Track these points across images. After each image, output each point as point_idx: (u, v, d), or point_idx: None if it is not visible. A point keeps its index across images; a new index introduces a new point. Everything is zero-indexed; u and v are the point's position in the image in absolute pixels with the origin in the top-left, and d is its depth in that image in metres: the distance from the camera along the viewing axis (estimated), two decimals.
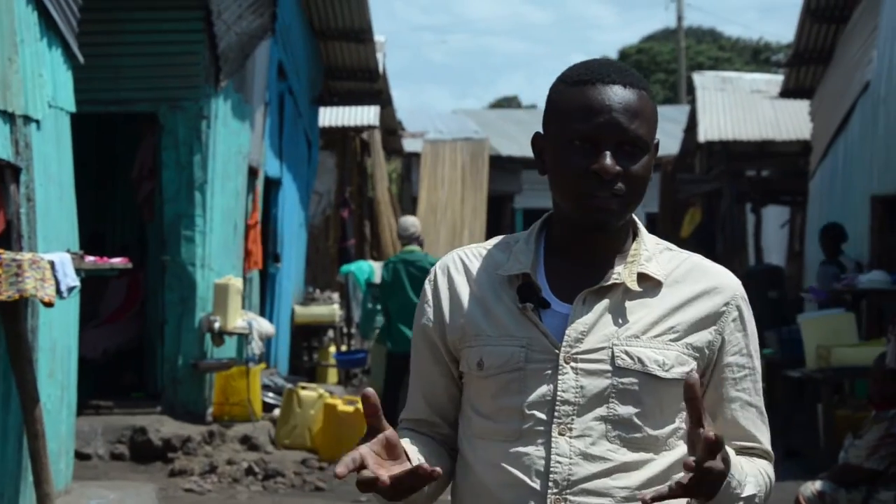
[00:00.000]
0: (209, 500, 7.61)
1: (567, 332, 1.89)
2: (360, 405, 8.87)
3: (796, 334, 9.39)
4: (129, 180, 9.74)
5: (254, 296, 10.93)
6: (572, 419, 1.86)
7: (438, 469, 1.74)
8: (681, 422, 1.91)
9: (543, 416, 1.88)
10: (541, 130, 1.99)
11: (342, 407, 8.79)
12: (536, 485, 1.87)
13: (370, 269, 13.64)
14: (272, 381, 9.99)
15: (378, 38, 14.75)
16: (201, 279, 8.91)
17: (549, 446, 1.86)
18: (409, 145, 23.92)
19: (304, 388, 9.19)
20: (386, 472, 1.76)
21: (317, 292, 14.25)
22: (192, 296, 8.88)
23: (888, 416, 6.00)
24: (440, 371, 2.00)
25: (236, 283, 9.13)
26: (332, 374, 12.78)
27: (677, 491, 1.70)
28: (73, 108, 6.91)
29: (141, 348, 9.39)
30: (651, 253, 1.96)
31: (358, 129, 17.32)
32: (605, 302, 1.91)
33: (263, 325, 9.61)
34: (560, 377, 1.87)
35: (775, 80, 18.27)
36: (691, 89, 20.29)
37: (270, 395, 9.63)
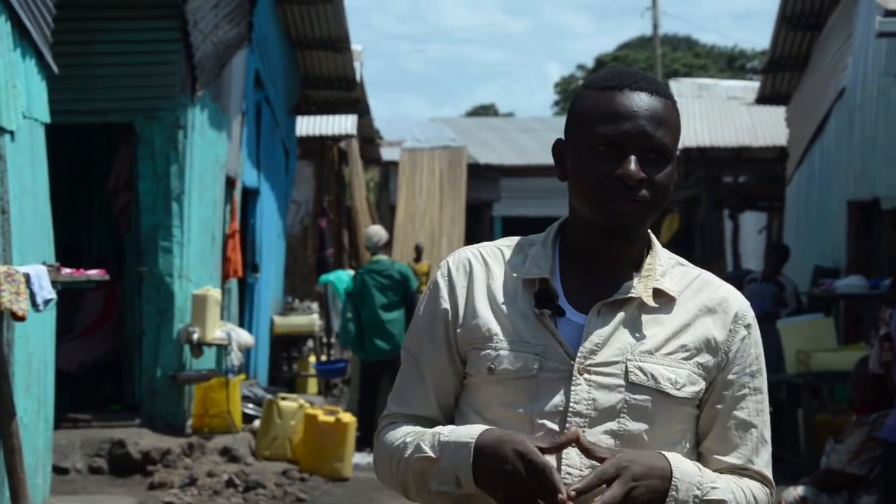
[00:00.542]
0: None
1: (583, 343, 1.87)
2: (340, 415, 8.88)
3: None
4: (105, 191, 9.67)
5: (232, 306, 10.87)
6: (583, 432, 1.83)
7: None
8: (686, 442, 1.92)
9: (555, 427, 1.85)
10: (562, 137, 1.97)
11: (323, 417, 8.74)
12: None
13: (349, 279, 13.61)
14: (252, 392, 9.93)
15: (355, 47, 14.73)
16: (179, 290, 8.85)
17: (560, 457, 1.84)
18: (387, 154, 23.91)
19: (284, 398, 9.14)
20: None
21: (296, 302, 14.20)
22: (170, 307, 8.82)
23: (869, 420, 6.00)
24: (453, 369, 1.95)
25: (215, 293, 9.07)
26: (313, 385, 12.71)
27: None
28: (47, 119, 6.86)
29: (118, 360, 9.31)
30: (665, 268, 1.95)
31: (335, 139, 17.29)
32: (620, 315, 1.90)
33: (242, 336, 9.55)
34: (573, 388, 1.86)
35: (751, 86, 18.36)
36: None
37: (250, 406, 9.57)
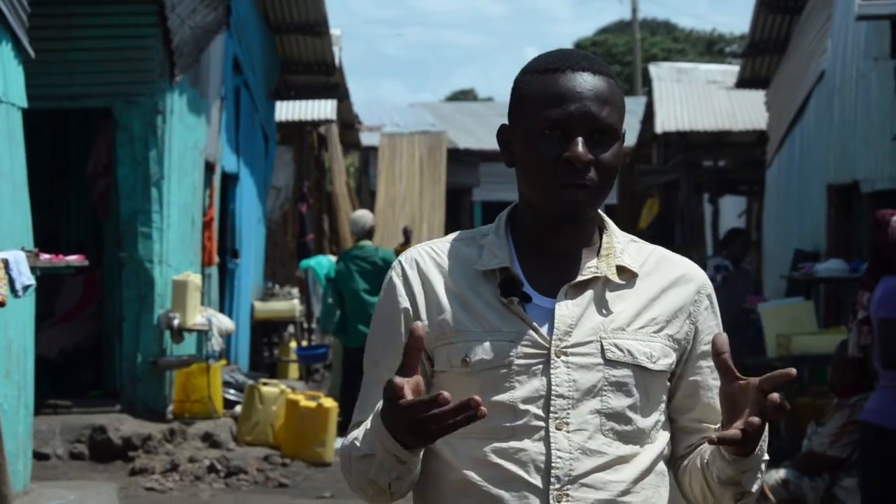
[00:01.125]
0: (171, 499, 7.53)
1: (556, 325, 1.87)
2: (322, 400, 8.86)
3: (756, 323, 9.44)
4: (84, 177, 9.61)
5: (213, 292, 10.83)
6: (568, 413, 1.84)
7: (478, 399, 1.68)
8: (660, 414, 1.93)
9: (539, 412, 1.85)
10: (506, 122, 1.96)
11: (304, 402, 8.73)
12: (536, 480, 1.84)
13: (329, 264, 13.57)
14: (233, 377, 9.90)
15: (334, 31, 14.67)
16: (159, 276, 8.81)
17: (549, 442, 1.84)
18: (367, 139, 23.85)
19: (265, 384, 9.13)
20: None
21: (276, 288, 14.16)
22: (150, 293, 8.78)
23: (850, 403, 6.03)
24: (420, 370, 1.89)
25: (195, 279, 9.04)
26: (294, 370, 12.70)
27: (742, 438, 1.73)
28: (24, 104, 6.80)
29: (99, 346, 9.27)
30: (622, 245, 1.96)
31: (315, 123, 17.23)
32: (587, 295, 1.90)
33: (223, 322, 9.52)
34: (553, 371, 1.85)
35: (731, 70, 18.39)
36: (647, 81, 20.38)
37: (231, 391, 9.55)
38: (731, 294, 9.50)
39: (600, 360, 1.86)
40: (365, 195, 23.77)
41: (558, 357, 1.86)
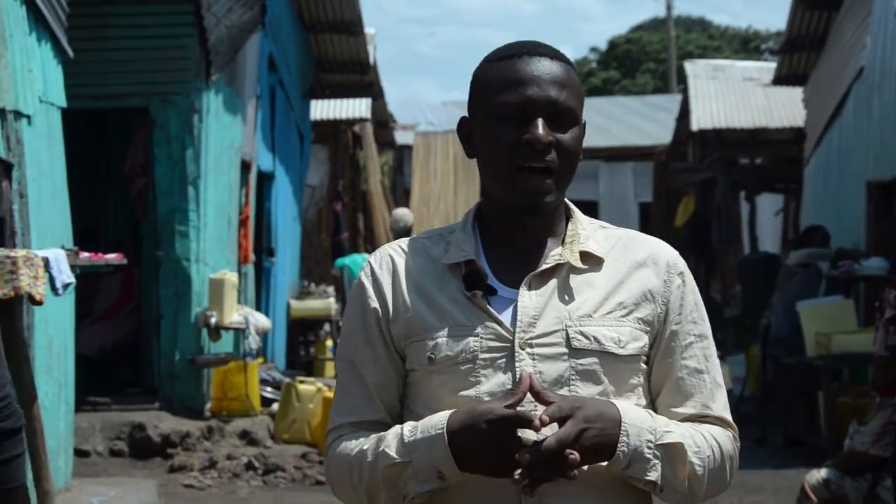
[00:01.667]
0: (209, 496, 7.56)
1: (518, 316, 1.85)
2: None
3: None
4: (122, 176, 9.67)
5: (249, 290, 10.87)
6: (535, 406, 1.79)
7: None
8: (638, 398, 1.89)
9: None
10: (466, 115, 1.95)
11: None
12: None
13: (364, 262, 13.63)
14: (270, 375, 9.93)
15: (368, 30, 14.68)
16: (196, 274, 8.86)
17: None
18: (401, 137, 23.86)
19: (302, 382, 9.14)
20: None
21: (312, 286, 14.19)
22: (187, 291, 8.82)
23: (892, 402, 5.95)
24: (394, 367, 1.91)
25: (231, 277, 9.07)
26: (330, 368, 12.71)
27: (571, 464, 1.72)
28: (63, 103, 6.84)
29: (137, 344, 9.33)
30: (588, 232, 1.93)
31: (349, 122, 17.25)
32: (551, 283, 1.87)
33: (260, 320, 9.55)
34: (518, 364, 1.83)
35: (768, 67, 18.25)
36: (682, 78, 20.26)
37: (268, 389, 9.58)
38: (808, 292, 9.40)
39: (565, 350, 1.83)
40: (399, 194, 23.78)
41: (523, 349, 1.83)
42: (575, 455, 1.72)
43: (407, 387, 1.91)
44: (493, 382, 1.82)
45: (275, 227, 12.30)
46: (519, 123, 1.83)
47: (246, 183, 10.53)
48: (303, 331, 13.36)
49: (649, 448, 1.79)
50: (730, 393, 11.33)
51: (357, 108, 16.84)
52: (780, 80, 14.93)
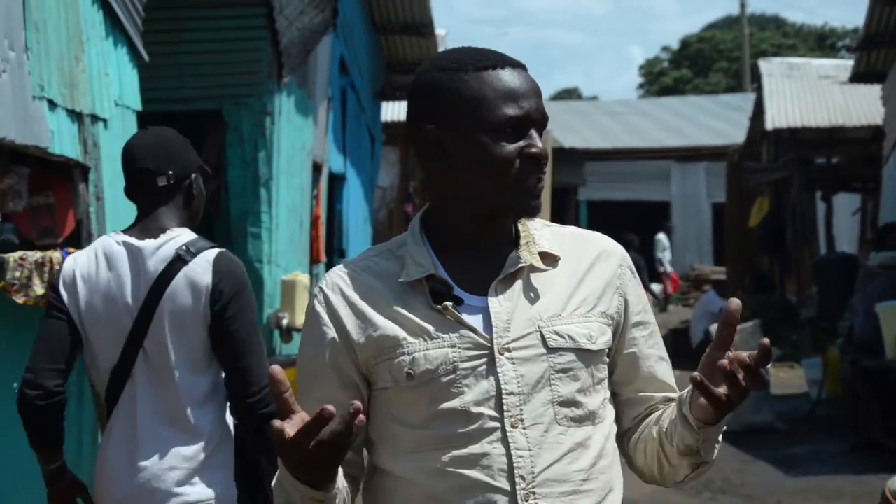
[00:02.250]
0: None
1: (493, 322, 1.85)
2: None
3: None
4: None
5: None
6: (521, 409, 1.82)
7: (359, 404, 1.63)
8: (605, 391, 1.94)
9: (493, 412, 1.82)
10: (429, 123, 1.89)
11: None
12: (502, 483, 1.80)
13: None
14: None
15: (439, 31, 14.69)
16: (268, 276, 8.91)
17: (507, 442, 1.81)
18: None
19: None
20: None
21: None
22: (259, 292, 8.87)
23: None
24: (350, 395, 1.87)
25: (303, 279, 9.11)
26: None
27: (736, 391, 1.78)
28: (139, 107, 6.92)
29: None
30: (539, 232, 1.97)
31: None
32: (516, 287, 1.89)
33: None
34: (499, 369, 1.83)
35: (844, 65, 17.93)
36: (756, 77, 20.00)
37: None
38: (890, 293, 9.17)
39: (543, 350, 1.86)
40: None
41: (501, 354, 1.84)
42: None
43: (373, 408, 1.89)
44: (476, 391, 1.82)
45: (346, 228, 12.35)
46: (512, 136, 1.86)
47: (317, 184, 10.58)
48: None
49: (722, 430, 1.90)
50: (805, 396, 11.15)
51: None
52: (858, 77, 14.65)
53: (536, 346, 1.86)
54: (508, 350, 1.85)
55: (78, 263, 3.22)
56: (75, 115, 5.84)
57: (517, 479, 1.81)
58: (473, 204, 1.89)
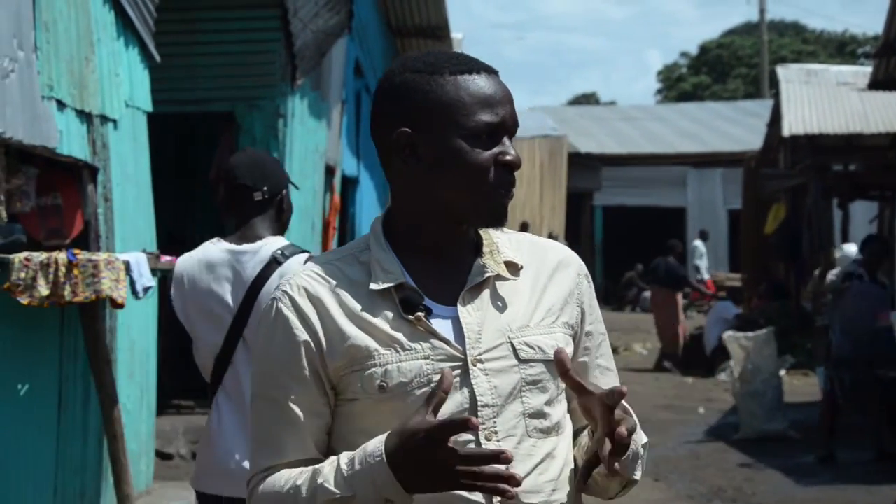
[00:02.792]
0: None
1: (465, 333, 1.81)
2: None
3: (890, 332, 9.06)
4: (209, 180, 9.74)
5: None
6: (494, 422, 1.78)
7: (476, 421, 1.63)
8: (565, 402, 1.91)
9: None
10: (403, 128, 1.83)
11: None
12: (477, 497, 1.75)
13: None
14: None
15: (455, 35, 14.67)
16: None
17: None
18: None
19: None
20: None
21: None
22: None
23: None
24: (325, 401, 1.82)
25: None
26: None
27: (612, 460, 1.73)
28: (149, 108, 6.90)
29: None
30: (501, 240, 1.93)
31: None
32: (484, 296, 1.85)
33: None
34: (473, 381, 1.79)
35: (863, 71, 17.81)
36: (774, 83, 19.88)
37: None
38: (863, 306, 9.06)
39: (515, 362, 1.82)
40: None
41: (475, 365, 1.80)
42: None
43: (339, 418, 1.83)
44: (451, 403, 1.77)
45: (359, 231, 12.32)
46: (487, 143, 1.82)
47: (330, 187, 10.55)
48: None
49: (642, 448, 1.87)
50: (819, 405, 11.05)
51: None
52: (877, 84, 14.52)
53: (508, 357, 1.82)
54: (481, 361, 1.81)
55: (185, 267, 3.64)
56: (84, 116, 5.83)
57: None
58: (444, 209, 1.85)
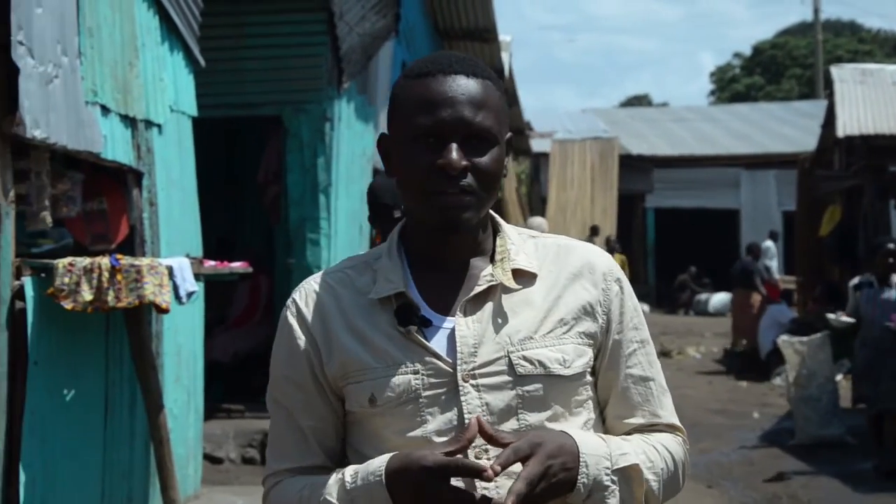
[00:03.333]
0: None
1: (458, 347, 1.74)
2: None
3: None
4: (257, 184, 9.76)
5: None
6: (487, 450, 1.70)
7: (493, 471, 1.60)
8: (589, 412, 1.81)
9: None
10: (388, 128, 1.83)
11: None
12: None
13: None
14: None
15: (503, 37, 14.59)
16: None
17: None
18: (538, 145, 23.73)
19: None
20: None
21: None
22: None
23: None
24: (330, 409, 1.80)
25: None
26: None
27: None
28: (194, 112, 6.90)
29: (269, 352, 9.37)
30: (518, 246, 1.84)
31: None
32: (487, 307, 1.77)
33: None
34: (463, 398, 1.72)
35: None
36: (829, 84, 19.60)
37: None
38: (875, 314, 8.83)
39: (510, 378, 1.74)
40: (536, 202, 23.64)
41: (466, 381, 1.73)
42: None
43: (349, 426, 1.81)
44: (439, 421, 1.73)
45: None
46: (434, 146, 1.74)
47: None
48: None
49: (607, 475, 1.71)
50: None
51: None
52: None
53: (503, 373, 1.74)
54: (474, 377, 1.74)
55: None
56: (129, 121, 5.83)
57: None
58: (415, 217, 1.82)
